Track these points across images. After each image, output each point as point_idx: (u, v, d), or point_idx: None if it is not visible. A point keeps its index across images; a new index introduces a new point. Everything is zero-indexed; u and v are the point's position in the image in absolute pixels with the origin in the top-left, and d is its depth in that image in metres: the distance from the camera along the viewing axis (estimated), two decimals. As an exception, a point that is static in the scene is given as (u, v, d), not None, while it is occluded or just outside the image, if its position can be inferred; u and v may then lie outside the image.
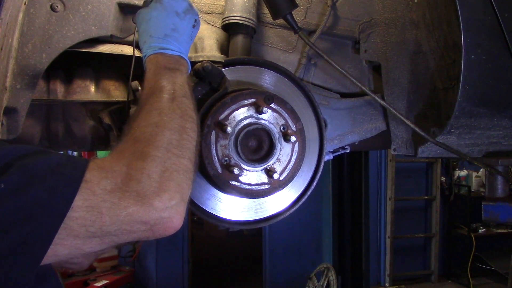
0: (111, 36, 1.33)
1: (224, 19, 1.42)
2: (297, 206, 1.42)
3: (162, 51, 1.03)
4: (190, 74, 1.27)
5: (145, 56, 1.04)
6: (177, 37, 1.05)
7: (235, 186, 1.27)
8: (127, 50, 1.34)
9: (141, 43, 1.07)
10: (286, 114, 1.31)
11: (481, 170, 6.61)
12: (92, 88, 1.41)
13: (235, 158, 1.26)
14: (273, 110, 1.29)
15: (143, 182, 0.80)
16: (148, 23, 1.04)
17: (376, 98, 1.56)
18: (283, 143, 1.32)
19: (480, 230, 6.59)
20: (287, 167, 1.33)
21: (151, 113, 0.91)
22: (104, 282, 4.65)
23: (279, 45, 1.55)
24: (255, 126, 1.27)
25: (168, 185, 0.82)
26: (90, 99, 1.41)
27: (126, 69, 1.33)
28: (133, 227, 0.79)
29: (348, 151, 1.69)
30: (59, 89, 1.39)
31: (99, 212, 0.76)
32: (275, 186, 1.31)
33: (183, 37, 1.06)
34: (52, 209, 0.73)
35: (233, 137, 1.26)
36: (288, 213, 1.41)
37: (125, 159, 0.83)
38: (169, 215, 0.81)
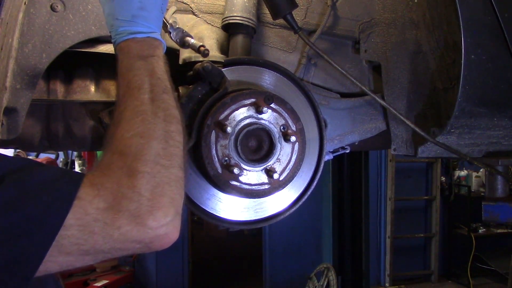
0: (111, 36, 1.32)
1: (224, 19, 1.42)
2: (297, 206, 1.42)
3: (132, 36, 0.91)
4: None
5: (114, 43, 0.94)
6: (146, 16, 0.92)
7: (235, 186, 1.27)
8: (127, 50, 1.34)
9: (108, 27, 0.95)
10: (286, 114, 1.31)
11: (481, 170, 6.61)
12: (92, 88, 1.41)
13: (235, 158, 1.26)
14: (273, 110, 1.29)
15: (135, 201, 0.77)
16: (112, 3, 0.92)
17: (376, 98, 1.56)
18: (283, 143, 1.32)
19: (480, 230, 6.59)
20: (287, 167, 1.33)
21: (133, 120, 0.84)
22: (104, 282, 4.66)
23: (279, 45, 1.55)
24: (255, 126, 1.27)
25: (161, 201, 0.79)
26: (90, 99, 1.41)
27: (126, 69, 1.33)
28: (126, 246, 0.77)
29: (348, 151, 1.69)
30: (59, 89, 1.39)
31: (92, 231, 0.73)
32: (275, 186, 1.31)
33: (153, 13, 0.94)
34: (44, 226, 0.71)
35: (233, 137, 1.26)
36: (288, 213, 1.41)
37: (114, 175, 0.78)
38: (165, 231, 0.79)
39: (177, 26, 1.28)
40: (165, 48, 0.98)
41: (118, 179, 0.78)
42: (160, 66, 0.92)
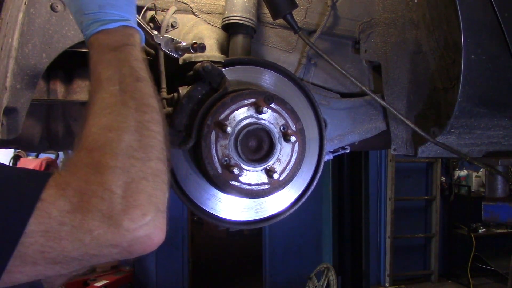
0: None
1: (224, 19, 1.42)
2: (297, 206, 1.42)
3: (101, 27, 0.83)
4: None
5: (86, 39, 0.85)
6: (114, 3, 0.85)
7: (235, 186, 1.26)
8: (127, 50, 1.34)
9: (78, 25, 0.87)
10: (286, 114, 1.31)
11: (481, 170, 6.61)
12: (92, 88, 1.41)
13: (235, 158, 1.26)
14: (273, 110, 1.29)
15: (106, 199, 0.67)
16: (76, 0, 0.85)
17: (376, 98, 1.56)
18: (283, 143, 1.32)
19: (480, 230, 6.59)
20: (287, 167, 1.33)
21: (101, 114, 0.76)
22: (104, 282, 4.65)
23: (279, 45, 1.55)
24: (255, 126, 1.27)
25: (137, 198, 0.69)
26: (90, 99, 1.41)
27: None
28: (102, 251, 0.68)
29: (348, 151, 1.69)
30: (59, 89, 1.39)
31: (58, 237, 0.65)
32: (275, 186, 1.31)
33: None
34: (3, 235, 0.63)
35: (233, 137, 1.26)
36: (288, 213, 1.41)
37: (81, 173, 0.70)
38: (145, 233, 0.69)
39: (164, 34, 1.25)
40: (143, 36, 0.91)
41: (86, 177, 0.69)
42: (134, 55, 0.84)
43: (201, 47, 1.20)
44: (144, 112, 0.78)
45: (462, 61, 1.37)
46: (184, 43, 1.24)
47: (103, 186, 0.68)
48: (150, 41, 1.23)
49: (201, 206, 1.31)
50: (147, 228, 0.70)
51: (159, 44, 1.23)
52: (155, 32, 1.24)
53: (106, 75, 0.80)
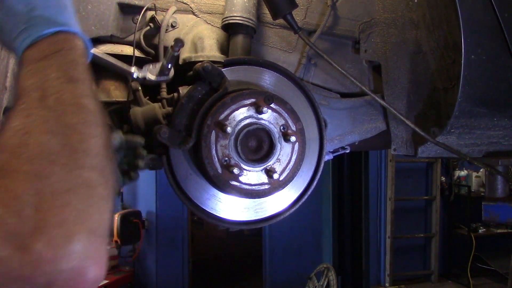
0: (111, 36, 1.33)
1: (224, 19, 1.42)
2: (297, 206, 1.42)
3: (31, 41, 0.66)
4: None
5: (18, 59, 0.69)
6: (42, 5, 0.68)
7: (235, 186, 1.26)
8: (127, 50, 1.34)
9: (11, 48, 0.70)
10: (286, 114, 1.31)
11: (481, 170, 6.62)
12: (92, 88, 1.41)
13: (235, 158, 1.26)
14: (273, 110, 1.29)
15: (13, 211, 0.50)
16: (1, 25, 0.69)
17: (376, 98, 1.56)
18: (283, 143, 1.32)
19: (480, 230, 6.60)
20: (287, 167, 1.33)
21: (17, 118, 0.60)
22: (104, 282, 4.65)
23: (279, 45, 1.55)
24: (255, 126, 1.27)
25: (57, 214, 0.51)
26: (90, 99, 1.40)
27: (126, 69, 1.33)
28: (7, 285, 0.49)
29: (348, 151, 1.69)
30: (59, 89, 1.38)
31: None
32: (275, 186, 1.31)
33: (48, 9, 0.69)
34: None
35: (233, 137, 1.26)
36: (288, 213, 1.41)
37: None
38: (72, 265, 0.50)
39: (142, 68, 1.23)
40: (88, 41, 0.76)
41: None
42: (69, 58, 0.68)
43: (178, 41, 1.17)
44: (73, 113, 0.61)
45: (462, 61, 1.37)
46: (162, 59, 1.22)
47: (9, 193, 0.51)
48: (131, 83, 1.23)
49: (201, 206, 1.31)
50: (75, 257, 0.50)
51: (144, 78, 1.22)
52: (132, 69, 1.21)
53: (28, 83, 0.63)
